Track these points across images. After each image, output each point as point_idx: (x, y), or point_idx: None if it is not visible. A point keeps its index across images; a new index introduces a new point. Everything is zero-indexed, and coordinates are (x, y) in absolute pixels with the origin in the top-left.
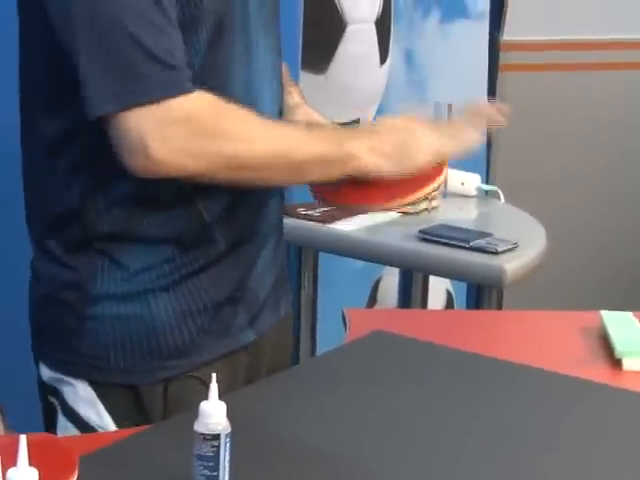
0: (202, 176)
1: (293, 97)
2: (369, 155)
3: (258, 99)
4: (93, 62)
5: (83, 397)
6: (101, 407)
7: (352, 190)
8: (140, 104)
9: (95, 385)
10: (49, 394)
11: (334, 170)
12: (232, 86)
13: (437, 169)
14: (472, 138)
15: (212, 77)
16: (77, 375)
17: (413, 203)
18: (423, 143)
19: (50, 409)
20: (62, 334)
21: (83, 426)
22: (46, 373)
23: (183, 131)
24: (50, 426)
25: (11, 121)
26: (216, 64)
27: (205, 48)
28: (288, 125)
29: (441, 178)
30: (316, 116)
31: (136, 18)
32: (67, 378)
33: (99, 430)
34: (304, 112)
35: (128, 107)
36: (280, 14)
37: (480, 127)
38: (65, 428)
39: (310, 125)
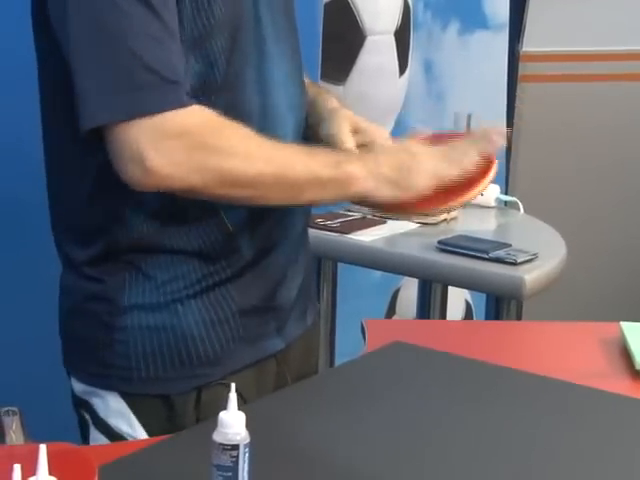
0: (198, 191)
1: (331, 101)
2: (368, 178)
3: (273, 108)
4: (90, 74)
5: (114, 409)
6: (133, 418)
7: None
8: (137, 116)
9: (126, 396)
10: (81, 407)
11: (331, 192)
12: (245, 96)
13: (484, 171)
14: (472, 162)
15: (226, 88)
16: (108, 387)
17: (460, 205)
18: (423, 166)
19: (83, 422)
20: (91, 346)
21: (115, 438)
22: (77, 387)
23: (181, 145)
24: (85, 439)
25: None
26: (230, 75)
27: (221, 60)
28: (286, 145)
29: (486, 181)
30: (356, 118)
31: (135, 30)
32: (98, 390)
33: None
34: (345, 116)
35: (124, 119)
36: (296, 21)
37: (482, 150)
38: (97, 441)
39: (309, 147)
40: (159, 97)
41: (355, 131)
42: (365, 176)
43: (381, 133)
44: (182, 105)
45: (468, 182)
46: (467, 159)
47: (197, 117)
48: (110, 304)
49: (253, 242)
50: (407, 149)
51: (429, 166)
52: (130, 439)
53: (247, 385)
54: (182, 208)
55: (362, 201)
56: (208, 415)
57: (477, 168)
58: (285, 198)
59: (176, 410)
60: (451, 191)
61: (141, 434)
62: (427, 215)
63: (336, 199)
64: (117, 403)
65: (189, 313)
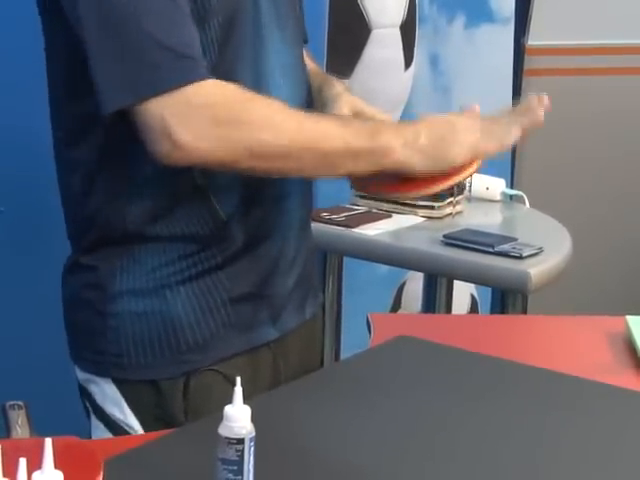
0: (228, 164)
1: (335, 87)
2: (403, 149)
3: (272, 96)
4: (106, 58)
5: (109, 396)
6: (125, 405)
7: (382, 179)
8: (158, 94)
9: (118, 383)
10: (83, 396)
11: (365, 163)
12: (242, 84)
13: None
14: (512, 136)
15: (222, 75)
16: (102, 374)
17: (440, 192)
18: (460, 139)
19: (87, 410)
20: (87, 334)
21: (111, 425)
22: (80, 375)
23: (206, 117)
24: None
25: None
26: (225, 62)
27: (215, 46)
28: (319, 116)
29: (472, 169)
30: (360, 103)
31: (145, 10)
32: (94, 378)
33: (125, 428)
34: (347, 100)
35: (145, 98)
36: (301, 9)
37: (521, 124)
38: (96, 428)
39: (344, 117)
40: (177, 73)
41: (356, 115)
42: (401, 146)
43: (383, 118)
44: (200, 78)
45: (453, 169)
46: (507, 133)
47: (221, 90)
48: (103, 291)
49: (246, 229)
50: (448, 121)
51: (468, 139)
52: (124, 426)
53: (239, 373)
54: (175, 195)
55: (399, 170)
56: (197, 401)
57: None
58: (319, 169)
59: (164, 396)
60: (430, 178)
61: (131, 420)
62: (400, 198)
63: (371, 169)
64: (111, 390)
65: (178, 299)
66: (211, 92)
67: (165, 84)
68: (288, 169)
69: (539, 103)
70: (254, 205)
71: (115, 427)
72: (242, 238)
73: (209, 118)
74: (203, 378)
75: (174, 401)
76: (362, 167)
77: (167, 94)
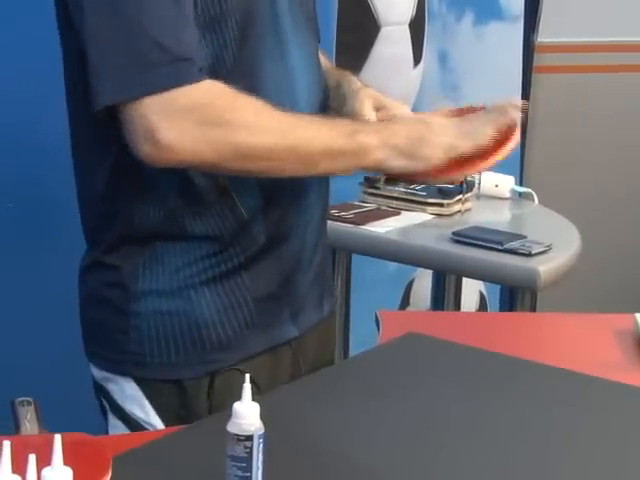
0: (211, 165)
1: (355, 82)
2: (380, 149)
3: (291, 96)
4: (103, 53)
5: (129, 395)
6: (147, 404)
7: None
8: (148, 94)
9: (140, 382)
10: (100, 394)
11: (344, 162)
12: (263, 84)
13: (507, 133)
14: (486, 136)
15: (243, 76)
16: (123, 373)
17: (487, 168)
18: (437, 139)
19: (103, 408)
20: (107, 333)
21: (131, 424)
22: (96, 373)
23: (191, 119)
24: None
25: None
26: (245, 62)
27: (233, 47)
28: (300, 116)
29: (508, 148)
30: (381, 97)
31: (145, 9)
32: (114, 376)
33: (146, 427)
34: (369, 94)
35: (136, 97)
36: (315, 7)
37: (496, 124)
38: (115, 426)
39: (325, 117)
40: (170, 74)
41: (378, 108)
42: (378, 146)
43: (403, 110)
44: (194, 81)
45: (489, 148)
46: (482, 134)
47: (209, 92)
48: (125, 290)
49: (267, 228)
50: (423, 120)
51: (443, 139)
52: (145, 425)
53: (261, 372)
54: (197, 194)
55: (377, 170)
56: (221, 401)
57: (498, 135)
58: (299, 169)
59: (189, 395)
60: (472, 158)
61: (155, 420)
62: (447, 181)
63: (350, 169)
64: (132, 389)
65: (202, 299)
66: (200, 94)
67: (157, 84)
68: (270, 169)
69: (514, 106)
70: (275, 203)
71: (135, 425)
72: (263, 237)
73: (194, 120)
74: (227, 377)
75: (198, 401)
76: (341, 167)
77: (158, 95)
